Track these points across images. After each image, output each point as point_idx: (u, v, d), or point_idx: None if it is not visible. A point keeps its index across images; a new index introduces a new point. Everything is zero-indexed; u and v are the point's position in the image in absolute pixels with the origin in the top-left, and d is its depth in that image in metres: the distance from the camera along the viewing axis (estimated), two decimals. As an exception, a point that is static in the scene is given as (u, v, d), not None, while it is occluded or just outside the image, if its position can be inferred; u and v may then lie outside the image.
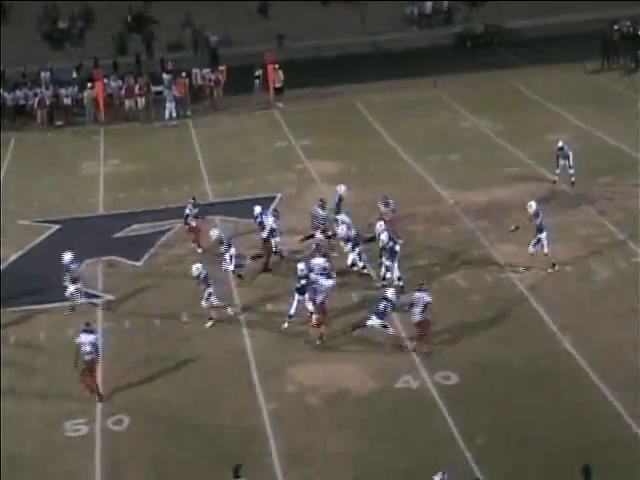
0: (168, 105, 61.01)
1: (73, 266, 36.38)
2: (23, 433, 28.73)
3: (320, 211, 38.67)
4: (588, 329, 31.63)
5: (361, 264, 36.35)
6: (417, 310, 30.37)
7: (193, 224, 40.49)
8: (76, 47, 73.75)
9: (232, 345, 32.71)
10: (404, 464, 24.41)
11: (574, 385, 28.62)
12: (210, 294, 33.47)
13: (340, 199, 39.45)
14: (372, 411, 28.29)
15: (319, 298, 32.26)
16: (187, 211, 40.63)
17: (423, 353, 30.63)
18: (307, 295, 32.78)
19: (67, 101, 62.96)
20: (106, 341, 33.13)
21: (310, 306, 32.53)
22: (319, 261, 34.30)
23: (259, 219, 38.33)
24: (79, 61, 68.00)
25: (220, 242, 35.23)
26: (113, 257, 40.00)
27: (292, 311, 32.79)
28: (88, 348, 29.28)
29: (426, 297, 30.35)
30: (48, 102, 62.61)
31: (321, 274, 33.63)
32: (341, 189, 40.08)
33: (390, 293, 31.09)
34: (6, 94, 62.90)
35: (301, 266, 33.42)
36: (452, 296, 34.90)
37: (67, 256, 36.53)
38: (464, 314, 33.55)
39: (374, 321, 30.93)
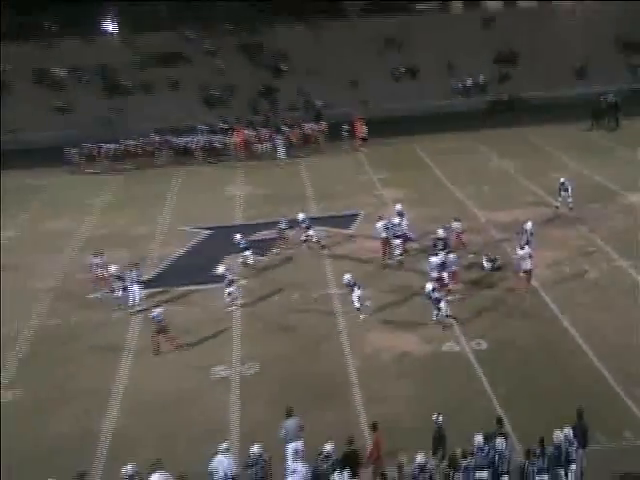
0: (282, 149, 61.37)
1: (242, 243, 38.82)
2: (183, 376, 28.88)
3: (396, 220, 38.81)
4: (581, 313, 32.12)
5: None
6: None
7: (283, 233, 41.03)
8: (224, 107, 73.53)
9: (330, 320, 32.76)
10: (448, 404, 24.55)
11: (571, 352, 29.20)
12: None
13: (400, 214, 39.24)
14: (425, 366, 28.61)
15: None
16: (281, 225, 41.19)
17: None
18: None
19: (217, 144, 63.14)
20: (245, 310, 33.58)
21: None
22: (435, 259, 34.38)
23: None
24: (225, 117, 68.07)
25: (348, 285, 32.98)
26: (246, 254, 39.97)
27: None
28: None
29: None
30: (204, 145, 62.96)
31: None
32: (397, 207, 39.96)
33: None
34: (175, 139, 63.35)
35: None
36: (482, 285, 35.20)
37: (237, 236, 38.74)
38: (491, 299, 33.79)
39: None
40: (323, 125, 64.15)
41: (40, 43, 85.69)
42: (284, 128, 64.13)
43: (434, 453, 21.85)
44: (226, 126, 65.97)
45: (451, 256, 34.84)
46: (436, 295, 31.41)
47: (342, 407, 25.99)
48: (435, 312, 31.55)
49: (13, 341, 32.82)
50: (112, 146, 63.30)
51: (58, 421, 27.00)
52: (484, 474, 20.70)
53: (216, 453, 21.82)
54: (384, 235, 38.09)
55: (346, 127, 62.57)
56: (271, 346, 30.78)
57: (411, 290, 34.85)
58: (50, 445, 25.20)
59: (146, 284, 36.80)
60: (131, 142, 63.57)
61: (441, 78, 76.88)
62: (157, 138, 64.11)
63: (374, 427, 22.52)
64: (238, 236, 39.05)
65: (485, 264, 36.55)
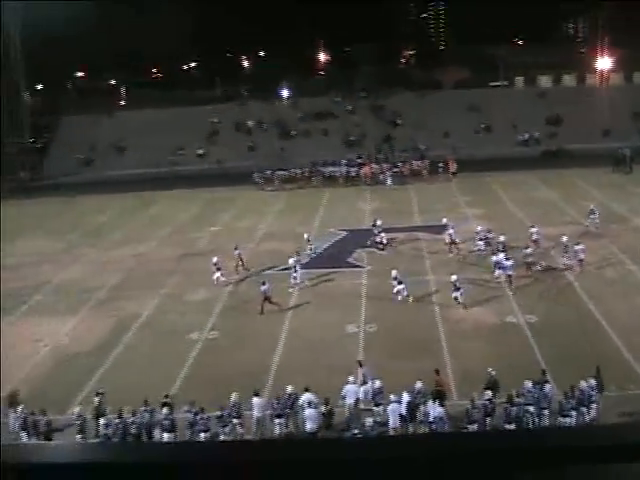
0: (389, 179, 61.20)
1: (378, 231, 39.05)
2: (326, 329, 29.14)
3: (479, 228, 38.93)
4: (602, 300, 31.07)
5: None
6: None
7: (377, 239, 40.37)
8: (358, 148, 73.89)
9: (426, 298, 32.56)
10: (508, 359, 24.14)
11: (595, 327, 28.48)
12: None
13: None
14: (492, 332, 28.20)
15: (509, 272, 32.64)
16: (375, 230, 40.61)
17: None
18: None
19: (353, 173, 63.27)
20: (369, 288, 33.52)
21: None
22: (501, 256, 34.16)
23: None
24: (359, 155, 68.15)
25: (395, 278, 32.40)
26: (371, 249, 40.00)
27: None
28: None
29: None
30: (344, 173, 63.18)
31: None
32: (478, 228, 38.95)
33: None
34: (324, 168, 63.84)
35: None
36: (535, 277, 34.25)
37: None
38: (541, 287, 33.03)
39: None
40: (426, 162, 63.70)
41: (237, 104, 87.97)
42: (399, 164, 64.07)
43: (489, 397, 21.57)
44: (359, 161, 66.06)
45: (503, 255, 34.26)
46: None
47: (433, 358, 25.92)
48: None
49: (214, 301, 33.59)
50: (282, 172, 64.17)
51: (243, 354, 27.55)
52: (531, 408, 20.56)
53: (346, 383, 22.03)
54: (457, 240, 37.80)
55: (441, 164, 61.99)
56: (386, 313, 30.81)
57: (482, 278, 34.47)
58: (237, 370, 25.74)
59: (304, 265, 37.28)
60: (295, 170, 64.36)
61: (508, 133, 75.77)
62: (313, 168, 64.68)
63: (437, 372, 22.70)
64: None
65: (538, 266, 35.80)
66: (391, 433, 20.20)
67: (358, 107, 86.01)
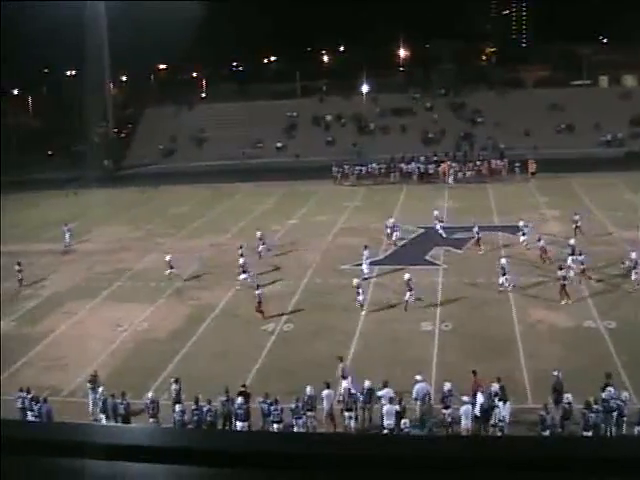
0: (452, 177, 60.86)
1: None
2: (399, 326, 29.01)
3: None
4: None
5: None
6: None
7: (443, 235, 40.30)
8: (436, 146, 73.21)
9: (503, 297, 32.08)
10: (585, 363, 23.52)
11: None
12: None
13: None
14: (570, 336, 27.58)
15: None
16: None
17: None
18: None
19: (430, 171, 62.72)
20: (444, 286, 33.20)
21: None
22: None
23: None
24: (437, 152, 67.52)
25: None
26: (447, 247, 39.59)
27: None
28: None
29: None
30: (422, 171, 62.68)
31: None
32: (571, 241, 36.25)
33: None
34: (403, 165, 63.42)
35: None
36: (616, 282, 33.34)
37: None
38: (621, 292, 32.18)
39: None
40: (505, 162, 62.71)
41: (316, 99, 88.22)
42: (477, 162, 63.29)
43: (556, 402, 21.24)
44: (436, 159, 65.48)
45: (583, 256, 33.61)
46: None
47: (508, 359, 25.52)
48: None
49: (291, 294, 33.77)
50: (360, 167, 64.06)
51: (317, 347, 27.63)
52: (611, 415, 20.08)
53: (416, 382, 21.86)
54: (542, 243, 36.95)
55: (519, 164, 60.74)
56: (462, 312, 30.48)
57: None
58: (311, 363, 25.79)
59: (379, 262, 37.19)
60: (373, 165, 64.16)
61: (591, 133, 73.92)
62: (391, 164, 64.38)
63: (474, 373, 22.20)
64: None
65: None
66: (463, 434, 20.03)
67: (437, 104, 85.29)
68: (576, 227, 40.25)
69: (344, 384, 22.98)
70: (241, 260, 35.69)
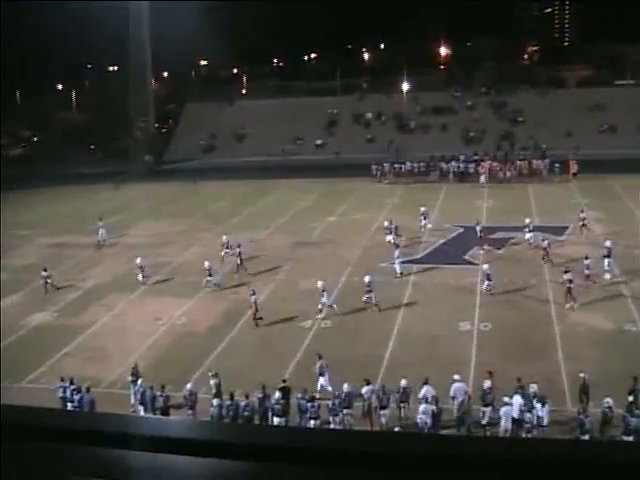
0: (484, 176, 60.05)
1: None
2: (438, 325, 28.84)
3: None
4: None
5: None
6: None
7: (481, 234, 39.64)
8: (477, 145, 72.62)
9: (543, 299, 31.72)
10: (626, 370, 22.94)
11: None
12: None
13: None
14: (610, 339, 27.25)
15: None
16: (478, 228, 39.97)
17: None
18: None
19: (471, 170, 62.21)
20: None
21: None
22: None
23: None
24: (477, 152, 66.91)
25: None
26: (487, 247, 39.26)
27: None
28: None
29: None
30: (462, 170, 62.26)
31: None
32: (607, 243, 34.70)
33: None
34: (443, 164, 63.00)
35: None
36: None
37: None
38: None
39: None
40: (546, 162, 62.00)
41: (356, 96, 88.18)
42: (518, 162, 62.68)
43: (580, 401, 21.19)
44: (477, 158, 64.95)
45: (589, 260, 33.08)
46: None
47: (547, 361, 25.24)
48: None
49: (330, 291, 33.66)
50: (400, 165, 63.83)
51: (355, 344, 27.62)
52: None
53: (454, 381, 21.71)
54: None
55: (559, 165, 59.97)
56: (501, 312, 30.27)
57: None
58: (348, 360, 25.76)
59: (417, 261, 37.05)
60: (413, 164, 63.82)
61: (633, 134, 72.63)
62: (431, 162, 64.04)
63: (490, 374, 21.97)
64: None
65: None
66: (500, 435, 19.89)
67: (478, 103, 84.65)
68: (582, 225, 40.01)
69: (321, 380, 23.34)
70: (206, 263, 35.25)
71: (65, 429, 2.15)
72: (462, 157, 64.29)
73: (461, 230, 43.73)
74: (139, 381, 23.21)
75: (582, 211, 41.75)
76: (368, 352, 26.70)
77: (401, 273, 35.30)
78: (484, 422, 21.04)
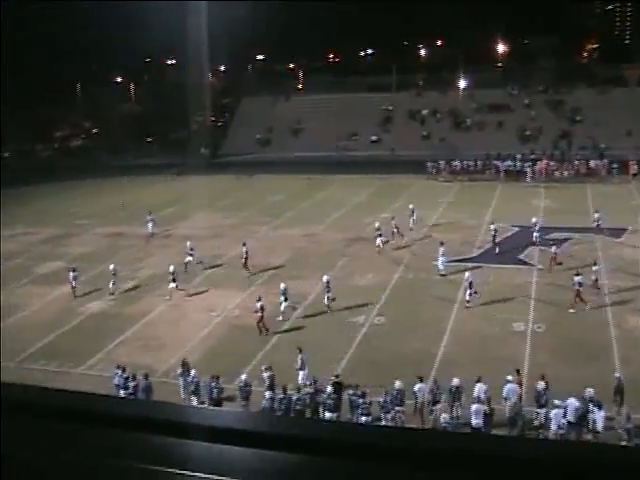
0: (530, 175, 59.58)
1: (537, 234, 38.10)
2: (490, 325, 28.56)
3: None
4: None
5: None
6: None
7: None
8: (533, 143, 71.74)
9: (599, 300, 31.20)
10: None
11: None
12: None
13: None
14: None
15: None
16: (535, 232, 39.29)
17: None
18: None
19: (526, 169, 61.28)
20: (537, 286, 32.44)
21: None
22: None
23: None
24: (534, 150, 65.93)
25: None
26: (539, 247, 38.74)
27: None
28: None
29: None
30: (518, 169, 61.30)
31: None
32: None
33: None
34: (499, 162, 62.28)
35: None
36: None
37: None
38: None
39: None
40: (604, 162, 60.89)
41: (412, 93, 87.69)
42: (576, 162, 61.67)
43: (614, 402, 20.87)
44: (533, 157, 64.10)
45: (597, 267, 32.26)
46: None
47: (602, 365, 24.78)
48: None
49: (383, 287, 33.69)
50: (456, 163, 63.34)
51: (407, 341, 27.50)
52: None
53: (506, 382, 21.48)
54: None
55: (617, 165, 58.85)
56: (555, 314, 29.81)
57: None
58: (401, 357, 25.70)
59: (472, 260, 36.74)
60: (468, 162, 63.26)
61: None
62: (487, 160, 63.40)
63: (517, 372, 22.06)
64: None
65: None
66: (550, 438, 19.63)
67: (535, 101, 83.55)
68: (597, 226, 39.23)
69: (301, 374, 23.41)
70: (171, 267, 34.37)
71: (120, 416, 2.17)
72: (518, 156, 63.45)
73: (517, 230, 43.18)
74: (192, 372, 23.43)
75: (596, 211, 40.89)
76: (420, 349, 26.58)
77: (444, 274, 34.95)
78: (537, 424, 20.79)
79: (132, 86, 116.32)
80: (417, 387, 21.75)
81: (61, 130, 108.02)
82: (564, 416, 20.12)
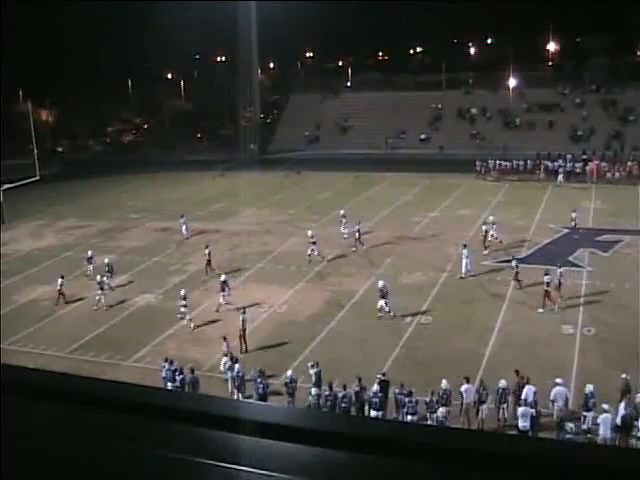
0: (562, 175, 58.37)
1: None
2: (541, 327, 28.19)
3: None
4: None
5: None
6: None
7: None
8: (585, 143, 70.44)
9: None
10: None
11: None
12: None
13: None
14: None
15: None
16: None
17: None
18: None
19: (578, 170, 60.31)
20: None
21: None
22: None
23: None
24: (585, 151, 64.82)
25: None
26: (592, 250, 38.11)
27: None
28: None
29: None
30: (568, 169, 60.28)
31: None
32: None
33: None
34: (549, 162, 61.31)
35: None
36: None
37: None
38: None
39: None
40: (634, 163, 59.50)
41: (461, 91, 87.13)
42: (628, 163, 60.42)
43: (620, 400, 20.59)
44: (584, 157, 63.03)
45: None
46: None
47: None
48: None
49: (430, 286, 33.45)
50: (505, 163, 62.60)
51: (454, 341, 27.32)
52: None
53: (556, 384, 21.17)
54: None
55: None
56: (605, 317, 29.29)
57: None
58: (447, 357, 25.52)
59: (520, 260, 36.32)
60: (518, 161, 62.43)
61: None
62: (537, 160, 62.52)
63: (517, 372, 21.97)
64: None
65: None
66: (598, 443, 19.30)
67: (587, 101, 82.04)
68: None
69: (236, 367, 23.35)
70: (223, 277, 32.88)
71: (168, 408, 2.20)
72: (569, 156, 62.41)
73: (567, 231, 42.51)
74: (236, 366, 23.52)
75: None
76: (467, 349, 26.37)
77: (462, 276, 34.49)
78: (585, 427, 20.46)
79: (182, 83, 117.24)
80: (464, 388, 21.57)
81: (113, 125, 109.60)
82: (612, 421, 19.79)
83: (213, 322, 30.60)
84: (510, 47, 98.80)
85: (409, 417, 20.77)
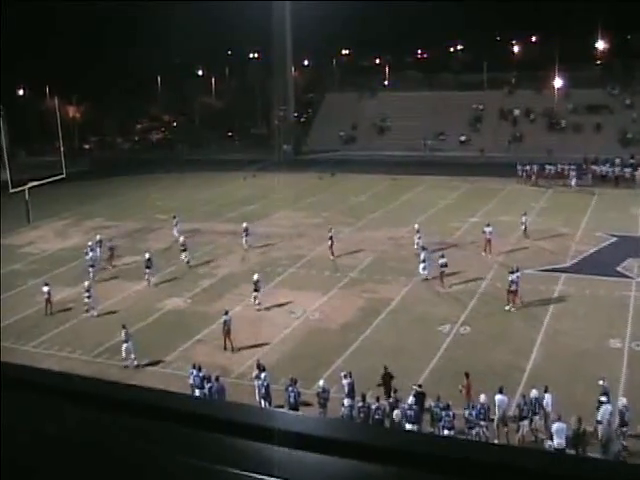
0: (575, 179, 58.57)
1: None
2: (585, 340, 27.77)
3: None
4: None
5: None
6: None
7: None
8: (635, 147, 69.54)
9: None
10: None
11: None
12: None
13: None
14: None
15: None
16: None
17: None
18: None
19: (627, 175, 59.64)
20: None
21: None
22: None
23: None
24: (632, 155, 63.87)
25: None
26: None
27: None
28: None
29: None
30: (617, 174, 59.62)
31: None
32: None
33: None
34: (597, 167, 60.63)
35: None
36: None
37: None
38: None
39: None
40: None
41: (504, 91, 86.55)
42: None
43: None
44: (634, 161, 62.22)
45: None
46: None
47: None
48: None
49: (468, 294, 33.20)
50: (549, 167, 61.97)
51: (494, 353, 27.07)
52: None
53: (600, 404, 20.80)
54: None
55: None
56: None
57: None
58: (487, 369, 25.25)
59: (565, 270, 35.90)
60: (563, 165, 61.68)
61: None
62: (583, 165, 61.81)
63: (467, 375, 22.57)
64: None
65: None
66: None
67: (638, 102, 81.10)
68: None
69: (262, 375, 23.29)
70: (255, 276, 33.58)
71: (195, 415, 2.19)
72: (617, 160, 61.67)
73: (614, 239, 41.94)
74: (262, 375, 23.47)
75: None
76: (508, 362, 26.10)
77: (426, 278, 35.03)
78: (624, 443, 20.16)
79: (213, 80, 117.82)
80: (497, 398, 21.33)
81: (142, 123, 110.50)
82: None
83: (244, 328, 30.59)
84: (556, 45, 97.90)
85: (446, 431, 20.57)
